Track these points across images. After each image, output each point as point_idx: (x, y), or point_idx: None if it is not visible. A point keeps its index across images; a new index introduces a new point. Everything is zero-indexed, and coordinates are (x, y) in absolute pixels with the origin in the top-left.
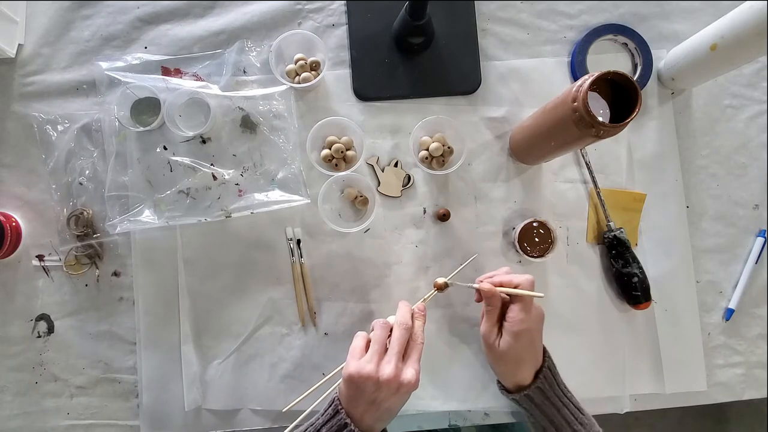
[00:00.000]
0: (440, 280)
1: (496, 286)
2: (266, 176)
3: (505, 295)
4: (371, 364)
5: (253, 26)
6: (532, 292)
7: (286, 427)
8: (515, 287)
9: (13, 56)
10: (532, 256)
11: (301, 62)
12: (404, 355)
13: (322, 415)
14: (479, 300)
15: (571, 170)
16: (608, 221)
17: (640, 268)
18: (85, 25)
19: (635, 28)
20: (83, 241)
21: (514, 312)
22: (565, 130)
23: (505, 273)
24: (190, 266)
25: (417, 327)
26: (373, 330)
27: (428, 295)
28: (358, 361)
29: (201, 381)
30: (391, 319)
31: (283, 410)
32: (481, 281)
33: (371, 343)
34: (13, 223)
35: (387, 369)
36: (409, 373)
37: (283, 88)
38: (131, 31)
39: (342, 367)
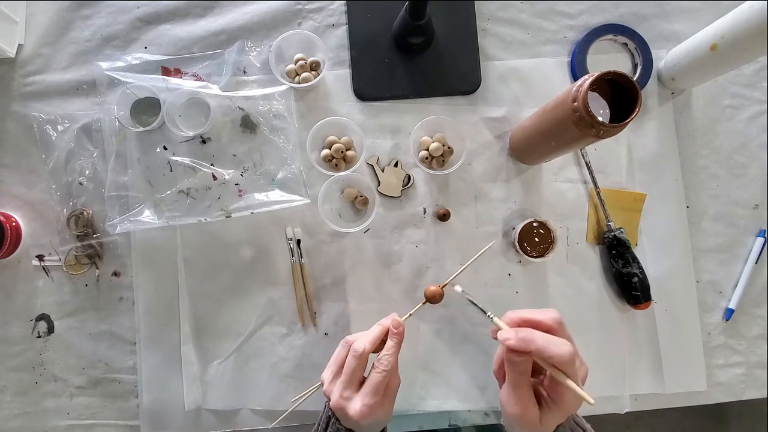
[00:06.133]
0: (434, 288)
1: (532, 352)
2: (266, 176)
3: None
4: (328, 383)
5: (253, 26)
6: (583, 393)
7: (286, 428)
8: (558, 365)
9: (13, 56)
10: (532, 256)
11: (301, 62)
12: (362, 383)
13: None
14: (496, 338)
15: (571, 170)
16: (608, 221)
17: (640, 268)
18: (85, 25)
19: (635, 28)
20: (83, 241)
21: (570, 396)
22: (565, 130)
23: (543, 325)
24: (190, 266)
25: (385, 350)
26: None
27: (415, 308)
28: (327, 370)
29: (201, 381)
30: (367, 336)
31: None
32: (515, 321)
33: (330, 362)
34: (13, 223)
35: (333, 396)
36: (353, 406)
37: (283, 88)
38: (131, 31)
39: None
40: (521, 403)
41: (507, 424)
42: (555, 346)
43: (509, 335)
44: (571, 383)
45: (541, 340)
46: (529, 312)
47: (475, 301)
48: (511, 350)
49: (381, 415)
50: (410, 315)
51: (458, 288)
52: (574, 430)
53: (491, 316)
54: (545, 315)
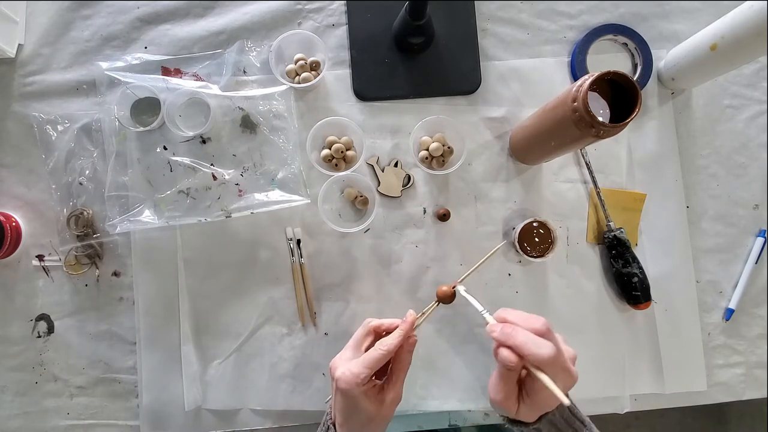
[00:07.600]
0: (446, 288)
1: (512, 347)
2: (266, 176)
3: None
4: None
5: (253, 26)
6: (557, 390)
7: (286, 427)
8: (536, 364)
9: (13, 56)
10: (532, 256)
11: (301, 62)
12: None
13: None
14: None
15: (571, 170)
16: (608, 221)
17: (640, 268)
18: (85, 25)
19: (635, 28)
20: (83, 241)
21: (544, 393)
22: (565, 130)
23: (529, 328)
24: (190, 266)
25: (390, 335)
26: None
27: (429, 309)
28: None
29: (201, 381)
30: (387, 321)
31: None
32: (504, 319)
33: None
34: (13, 223)
35: (336, 356)
36: (341, 368)
37: (283, 88)
38: (131, 31)
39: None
40: (502, 393)
41: (491, 404)
42: (535, 345)
43: (495, 328)
44: (544, 377)
45: (522, 337)
46: (518, 314)
47: (472, 300)
48: (505, 363)
49: (365, 415)
50: (424, 318)
51: (461, 288)
52: (569, 420)
53: (484, 312)
54: (529, 322)
